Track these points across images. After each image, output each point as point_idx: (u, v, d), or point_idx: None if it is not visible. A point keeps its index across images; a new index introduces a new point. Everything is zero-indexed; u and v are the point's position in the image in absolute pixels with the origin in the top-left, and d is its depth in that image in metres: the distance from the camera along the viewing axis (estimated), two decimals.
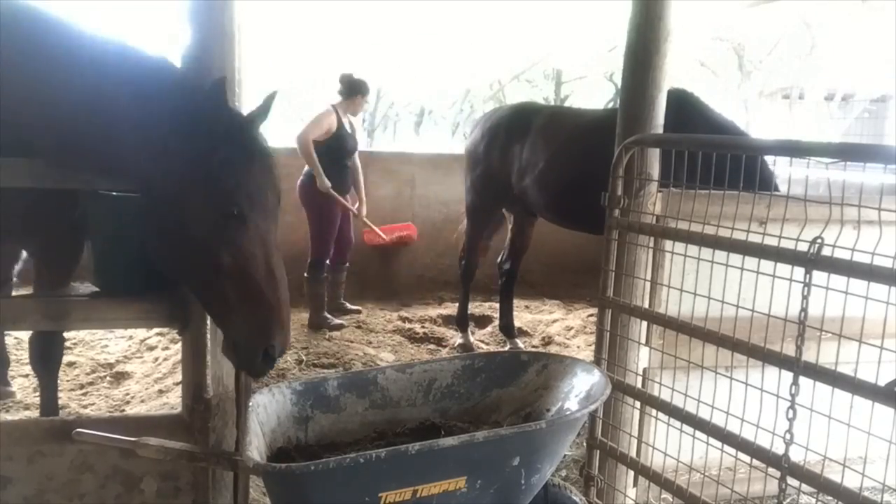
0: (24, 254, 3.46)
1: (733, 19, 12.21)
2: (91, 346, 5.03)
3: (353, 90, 5.84)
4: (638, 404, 2.90)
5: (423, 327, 5.82)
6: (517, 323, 5.77)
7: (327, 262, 5.90)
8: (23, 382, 4.35)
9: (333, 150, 5.71)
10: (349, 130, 5.81)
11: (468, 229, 5.57)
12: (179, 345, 2.51)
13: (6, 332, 4.74)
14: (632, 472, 2.99)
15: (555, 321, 6.15)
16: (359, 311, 6.25)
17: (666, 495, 2.92)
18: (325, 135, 5.68)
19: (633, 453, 2.94)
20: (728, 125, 4.28)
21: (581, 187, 4.64)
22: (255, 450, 2.06)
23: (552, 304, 6.73)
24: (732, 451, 2.42)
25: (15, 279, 3.59)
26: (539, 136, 4.94)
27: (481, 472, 2.14)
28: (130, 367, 4.72)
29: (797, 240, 2.15)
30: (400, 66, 13.45)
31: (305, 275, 5.77)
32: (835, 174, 2.11)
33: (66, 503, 2.40)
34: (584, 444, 3.11)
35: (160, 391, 4.23)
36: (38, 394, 4.07)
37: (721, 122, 4.26)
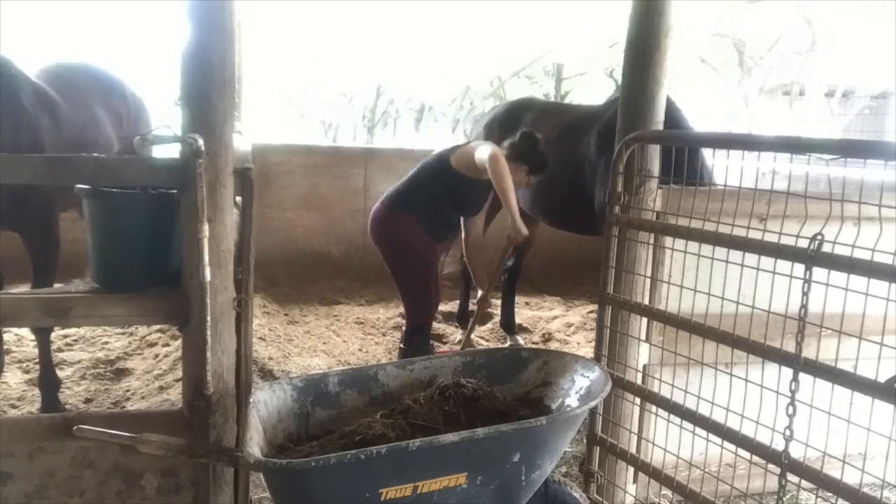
0: None
1: (734, 15, 12.20)
2: (91, 342, 5.03)
3: (520, 156, 4.04)
4: (638, 401, 2.90)
5: None
6: (517, 319, 5.77)
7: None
8: (24, 378, 4.36)
9: (459, 194, 4.02)
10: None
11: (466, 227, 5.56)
12: (180, 341, 2.51)
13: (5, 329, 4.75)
14: (632, 469, 3.00)
15: (555, 318, 6.15)
16: None
17: (666, 491, 2.93)
18: (480, 173, 3.92)
19: (634, 450, 2.94)
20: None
21: (559, 185, 4.65)
22: (256, 446, 2.07)
23: (552, 301, 6.73)
24: (732, 447, 2.42)
25: None
26: None
27: (482, 468, 2.15)
28: (131, 363, 4.72)
29: (797, 236, 2.15)
30: (400, 62, 13.44)
31: (402, 346, 4.21)
32: (835, 171, 2.11)
33: (66, 499, 2.40)
34: (585, 440, 3.11)
35: (161, 388, 4.23)
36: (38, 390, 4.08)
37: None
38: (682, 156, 2.68)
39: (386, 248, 4.09)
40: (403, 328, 4.24)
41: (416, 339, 4.10)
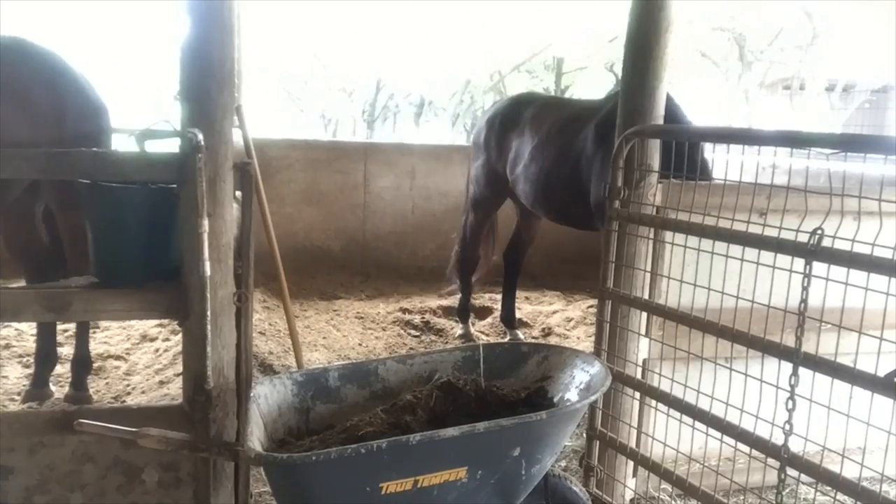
0: None
1: (734, 9, 12.17)
2: (91, 337, 5.03)
3: None
4: (638, 395, 2.90)
5: (423, 318, 5.83)
6: (517, 314, 5.77)
7: None
8: (24, 372, 4.36)
9: None
10: None
11: (471, 221, 5.57)
12: (180, 336, 2.52)
13: (6, 324, 4.76)
14: (631, 463, 3.00)
15: (555, 312, 6.16)
16: None
17: (665, 485, 2.93)
18: None
19: (633, 444, 2.95)
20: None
21: (557, 181, 4.65)
22: (257, 440, 2.07)
23: (552, 296, 6.73)
24: (732, 441, 2.42)
25: None
26: (527, 127, 4.94)
27: (482, 462, 2.15)
28: (131, 358, 4.72)
29: (797, 231, 2.15)
30: (400, 57, 13.42)
31: None
32: (835, 165, 2.11)
33: (67, 493, 2.41)
34: (584, 434, 3.11)
35: (161, 382, 4.23)
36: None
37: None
38: (683, 150, 2.69)
39: None
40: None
41: None
